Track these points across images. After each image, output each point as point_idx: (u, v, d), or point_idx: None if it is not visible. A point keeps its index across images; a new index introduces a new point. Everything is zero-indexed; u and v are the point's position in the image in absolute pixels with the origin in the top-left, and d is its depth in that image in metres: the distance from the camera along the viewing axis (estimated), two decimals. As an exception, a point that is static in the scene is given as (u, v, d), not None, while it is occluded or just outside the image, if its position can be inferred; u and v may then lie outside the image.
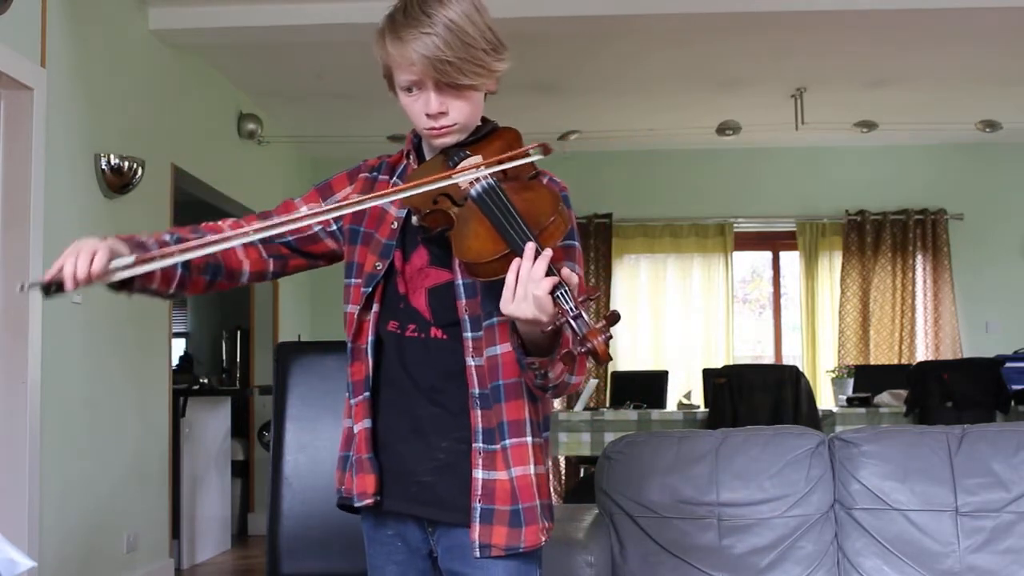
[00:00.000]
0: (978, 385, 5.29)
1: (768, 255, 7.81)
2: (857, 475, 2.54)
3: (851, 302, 7.38)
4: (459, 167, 1.52)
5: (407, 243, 1.59)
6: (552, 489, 1.63)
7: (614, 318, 1.33)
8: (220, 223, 1.67)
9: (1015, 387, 5.43)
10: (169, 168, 4.94)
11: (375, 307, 1.59)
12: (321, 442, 2.48)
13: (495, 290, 1.45)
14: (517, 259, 1.36)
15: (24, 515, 3.56)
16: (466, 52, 1.47)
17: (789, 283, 7.74)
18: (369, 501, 1.57)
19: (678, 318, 7.51)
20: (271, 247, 1.67)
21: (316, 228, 1.66)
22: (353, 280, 1.61)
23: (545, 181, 1.60)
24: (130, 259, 1.45)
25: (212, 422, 5.71)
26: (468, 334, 1.53)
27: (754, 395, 5.27)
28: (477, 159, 1.53)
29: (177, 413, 5.12)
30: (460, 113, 1.53)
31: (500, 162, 1.51)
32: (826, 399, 6.77)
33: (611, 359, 1.34)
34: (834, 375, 6.71)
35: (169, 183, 4.94)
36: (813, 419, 5.15)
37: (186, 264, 1.55)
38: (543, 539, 1.55)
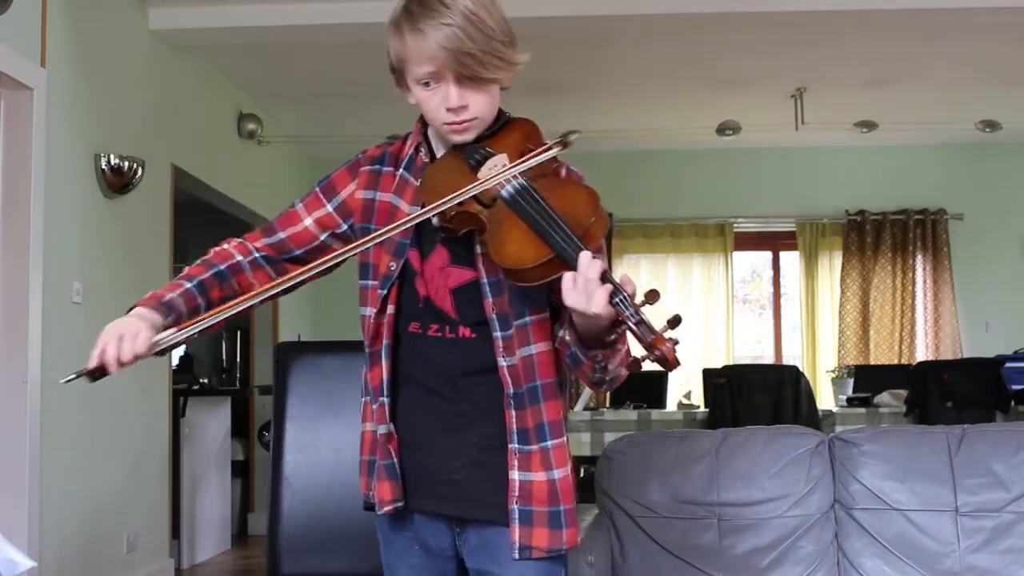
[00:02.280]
0: (978, 385, 5.28)
1: (768, 255, 7.81)
2: (857, 475, 2.54)
3: (851, 302, 7.38)
4: (483, 167, 1.47)
5: (423, 241, 1.53)
6: None
7: (676, 321, 1.29)
8: (226, 246, 1.63)
9: (1015, 387, 5.43)
10: (169, 168, 4.94)
11: (390, 309, 1.54)
12: (321, 442, 2.48)
13: (527, 290, 1.43)
14: (569, 271, 1.32)
15: (24, 515, 3.56)
16: (487, 44, 1.43)
17: (789, 283, 7.74)
18: (389, 508, 1.54)
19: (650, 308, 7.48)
20: (279, 267, 1.62)
21: (323, 237, 1.61)
22: (369, 282, 1.57)
23: (564, 172, 1.56)
24: (170, 333, 1.45)
25: (212, 422, 5.71)
26: (498, 333, 1.49)
27: (754, 395, 5.27)
28: (502, 158, 1.48)
29: (177, 413, 5.12)
30: (480, 107, 1.48)
31: (524, 161, 1.46)
32: (826, 399, 6.77)
33: (680, 364, 1.29)
34: (834, 375, 6.71)
35: (169, 183, 4.94)
36: (813, 419, 5.15)
37: (209, 305, 1.54)
38: (579, 539, 1.54)
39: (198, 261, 1.60)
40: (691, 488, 2.57)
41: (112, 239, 4.32)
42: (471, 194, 1.43)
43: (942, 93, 6.14)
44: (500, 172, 1.44)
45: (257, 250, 1.62)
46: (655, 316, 1.32)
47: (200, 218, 6.55)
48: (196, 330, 1.45)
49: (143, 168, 4.40)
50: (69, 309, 3.95)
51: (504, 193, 1.43)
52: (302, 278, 1.49)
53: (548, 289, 1.42)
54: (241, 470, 6.55)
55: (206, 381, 6.81)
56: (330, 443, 2.47)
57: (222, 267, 1.58)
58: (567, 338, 1.44)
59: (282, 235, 1.62)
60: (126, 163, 4.29)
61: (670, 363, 1.28)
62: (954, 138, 7.11)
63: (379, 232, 1.47)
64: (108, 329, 1.45)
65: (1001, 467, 2.49)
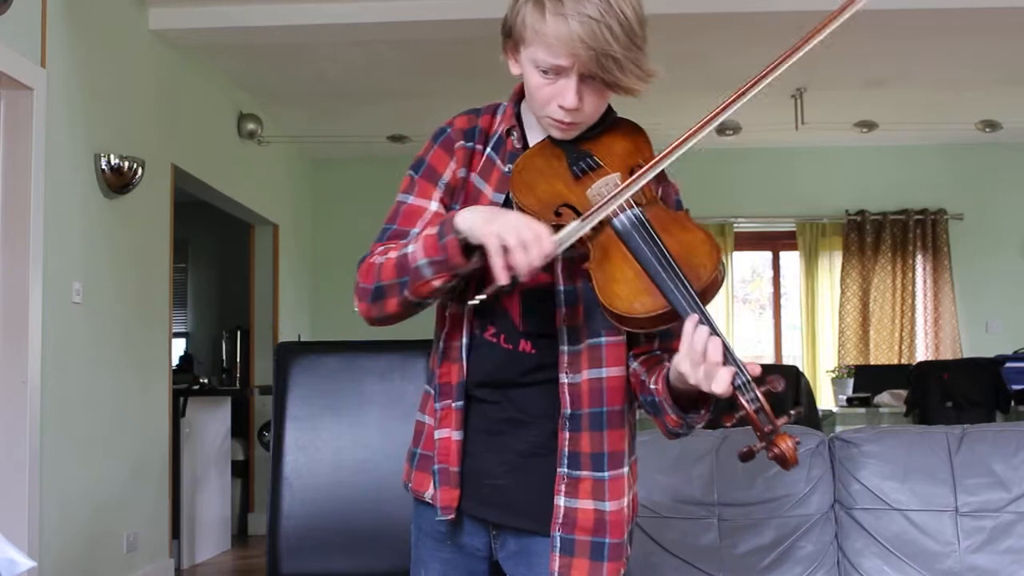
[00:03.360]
0: (978, 385, 5.29)
1: (768, 255, 7.81)
2: (857, 475, 2.53)
3: (851, 302, 7.38)
4: (593, 185, 1.34)
5: None
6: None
7: (799, 414, 1.20)
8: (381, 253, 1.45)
9: (1015, 387, 5.43)
10: (169, 168, 4.94)
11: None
12: (321, 442, 2.48)
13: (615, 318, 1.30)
14: (687, 329, 1.20)
15: (24, 515, 3.56)
16: (631, 50, 1.30)
17: (789, 283, 7.74)
18: (452, 516, 1.47)
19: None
20: None
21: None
22: None
23: (660, 191, 1.44)
24: (573, 226, 1.27)
25: (212, 422, 5.71)
26: (565, 347, 1.39)
27: (754, 395, 5.26)
28: (615, 179, 1.34)
29: (177, 413, 5.12)
30: (592, 111, 1.38)
31: (636, 180, 1.31)
32: (826, 399, 6.77)
33: (798, 464, 1.18)
34: (834, 375, 6.71)
35: (169, 183, 4.94)
36: (813, 419, 5.15)
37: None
38: (622, 573, 1.45)
39: (381, 256, 1.42)
40: (691, 488, 2.57)
41: (112, 239, 4.32)
42: (591, 225, 1.28)
43: (942, 93, 6.14)
44: (612, 195, 1.29)
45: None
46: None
47: (200, 218, 6.57)
48: (601, 215, 1.29)
49: (143, 168, 4.40)
50: (69, 309, 3.95)
51: (616, 223, 1.30)
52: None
53: None
54: (241, 470, 6.55)
55: (206, 381, 6.81)
56: (330, 443, 2.47)
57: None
58: (654, 387, 1.34)
59: (416, 231, 1.43)
60: (126, 163, 4.29)
61: (789, 462, 1.17)
62: (954, 138, 7.11)
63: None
64: (500, 231, 1.23)
65: (1001, 467, 2.49)
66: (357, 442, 2.46)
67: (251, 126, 6.02)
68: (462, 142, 1.47)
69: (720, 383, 1.17)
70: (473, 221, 1.28)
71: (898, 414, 5.41)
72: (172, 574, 4.93)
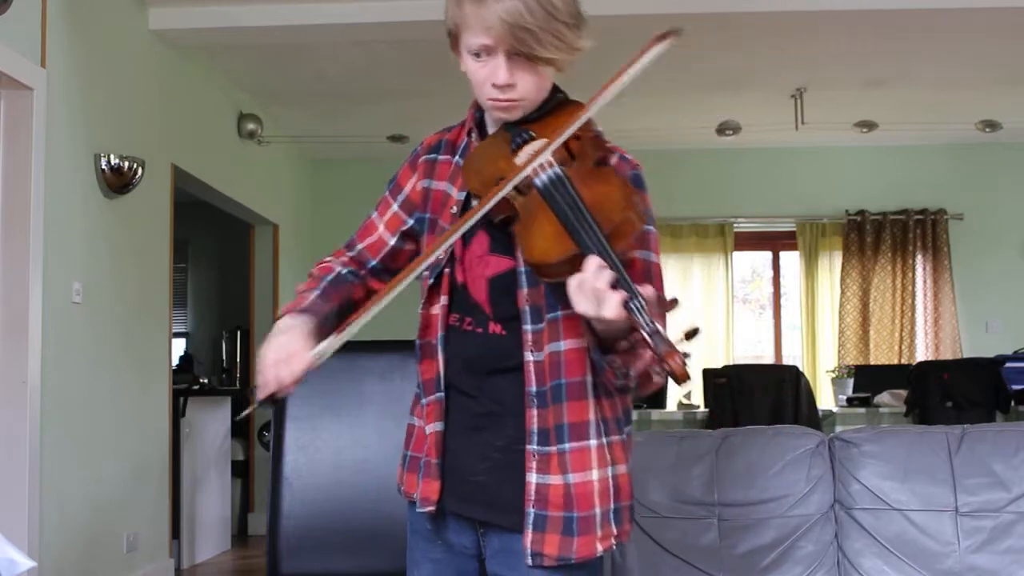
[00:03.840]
0: (978, 385, 5.29)
1: (768, 255, 7.81)
2: (857, 475, 2.54)
3: (851, 302, 7.38)
4: (522, 152, 1.42)
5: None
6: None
7: (693, 333, 1.24)
8: (324, 263, 1.63)
9: (1015, 387, 5.43)
10: (169, 168, 4.94)
11: (444, 300, 1.51)
12: (321, 442, 2.48)
13: (563, 286, 1.36)
14: (580, 269, 1.26)
15: (24, 515, 3.56)
16: (548, 23, 1.38)
17: (789, 283, 7.74)
18: (432, 508, 1.51)
19: (678, 318, 7.49)
20: (364, 281, 1.62)
21: (393, 241, 1.60)
22: (424, 275, 1.54)
23: (615, 161, 1.50)
24: (328, 342, 1.43)
25: (212, 422, 5.71)
26: (528, 326, 1.44)
27: (754, 395, 5.27)
28: (542, 142, 1.41)
29: (177, 413, 5.12)
30: (528, 88, 1.43)
31: (556, 140, 1.39)
32: (826, 399, 6.77)
33: (690, 379, 1.23)
34: (834, 375, 6.71)
35: (169, 183, 4.94)
36: (813, 419, 5.15)
37: (334, 310, 1.53)
38: (599, 549, 1.45)
39: (308, 280, 1.60)
40: (691, 488, 2.57)
41: (112, 239, 4.32)
42: (508, 188, 1.37)
43: (942, 93, 6.14)
44: (534, 157, 1.39)
45: (343, 265, 1.62)
46: (673, 325, 1.27)
47: (200, 218, 6.57)
48: (354, 329, 1.42)
49: (143, 168, 4.40)
50: (69, 309, 3.95)
51: (538, 182, 1.38)
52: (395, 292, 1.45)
53: None
54: (241, 470, 6.56)
55: (206, 381, 6.81)
56: (330, 443, 2.47)
57: (330, 277, 1.59)
58: (585, 341, 1.39)
59: (360, 247, 1.63)
60: (126, 163, 4.29)
61: (678, 378, 1.22)
62: (954, 138, 7.11)
63: (443, 241, 1.43)
64: (264, 355, 1.42)
65: (1001, 467, 2.49)
66: (357, 442, 2.46)
67: (251, 126, 6.02)
68: (425, 156, 1.58)
69: (609, 307, 1.23)
70: (270, 334, 1.46)
71: (898, 414, 5.41)
72: (172, 574, 4.93)
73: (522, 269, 1.44)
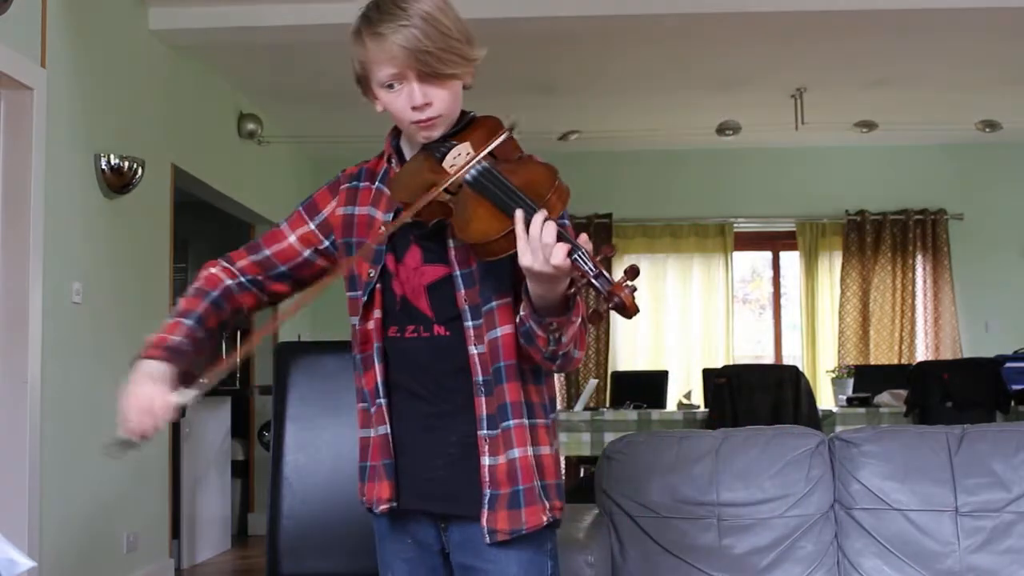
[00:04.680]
0: (978, 385, 5.28)
1: (768, 255, 7.81)
2: (857, 475, 2.54)
3: (851, 302, 7.38)
4: (447, 157, 1.53)
5: (398, 244, 1.59)
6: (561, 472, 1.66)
7: (634, 272, 1.36)
8: (213, 270, 1.70)
9: (1015, 387, 5.43)
10: (169, 168, 4.94)
11: (376, 314, 1.60)
12: (321, 442, 2.48)
13: (494, 273, 1.50)
14: (521, 223, 1.38)
15: (24, 515, 3.56)
16: (444, 42, 1.49)
17: (789, 283, 7.74)
18: (385, 507, 1.59)
19: (678, 318, 7.51)
20: (264, 287, 1.72)
21: (306, 253, 1.69)
22: (356, 293, 1.63)
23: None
24: (192, 394, 1.52)
25: (212, 422, 5.71)
26: (469, 323, 1.54)
27: (754, 395, 5.27)
28: (465, 147, 1.54)
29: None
30: (443, 104, 1.53)
31: (487, 146, 1.51)
32: (826, 399, 6.76)
33: (639, 311, 1.36)
34: (834, 375, 6.70)
35: (169, 183, 4.94)
36: (813, 419, 5.15)
37: (208, 333, 1.65)
38: (545, 519, 1.55)
39: (191, 290, 1.67)
40: (691, 488, 2.57)
41: (112, 239, 4.32)
42: (443, 187, 1.48)
43: (942, 93, 6.14)
44: (465, 158, 1.50)
45: (242, 272, 1.70)
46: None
47: (200, 218, 6.56)
48: (211, 385, 1.54)
49: (143, 168, 4.40)
50: (69, 309, 3.95)
51: (468, 177, 1.49)
52: (296, 302, 1.63)
53: (514, 269, 1.46)
54: (241, 470, 6.56)
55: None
56: (330, 443, 2.47)
57: (215, 294, 1.67)
58: (522, 314, 1.47)
59: (267, 252, 1.70)
60: (126, 163, 4.29)
61: (628, 309, 1.33)
62: (954, 138, 7.11)
63: (373, 241, 1.56)
64: (128, 401, 1.51)
65: (1001, 467, 2.49)
66: (357, 442, 2.46)
67: (251, 126, 6.02)
68: (346, 184, 1.69)
69: (558, 255, 1.34)
70: (133, 377, 1.56)
71: (898, 414, 5.40)
72: (172, 574, 4.93)
73: (457, 273, 1.55)
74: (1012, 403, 5.28)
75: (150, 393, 1.51)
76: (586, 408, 5.59)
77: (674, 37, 5.14)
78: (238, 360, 1.53)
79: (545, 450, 1.57)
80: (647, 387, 6.16)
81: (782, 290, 7.78)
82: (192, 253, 7.90)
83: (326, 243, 1.68)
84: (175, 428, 5.05)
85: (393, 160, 1.66)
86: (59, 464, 3.83)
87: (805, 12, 4.62)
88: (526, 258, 1.37)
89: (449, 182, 1.48)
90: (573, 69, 5.69)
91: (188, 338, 1.60)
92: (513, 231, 1.39)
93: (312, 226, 1.68)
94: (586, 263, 1.35)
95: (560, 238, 1.36)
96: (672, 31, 5.00)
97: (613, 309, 1.35)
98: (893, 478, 2.51)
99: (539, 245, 1.36)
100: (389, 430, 1.59)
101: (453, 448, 1.56)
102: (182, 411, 1.54)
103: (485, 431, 1.53)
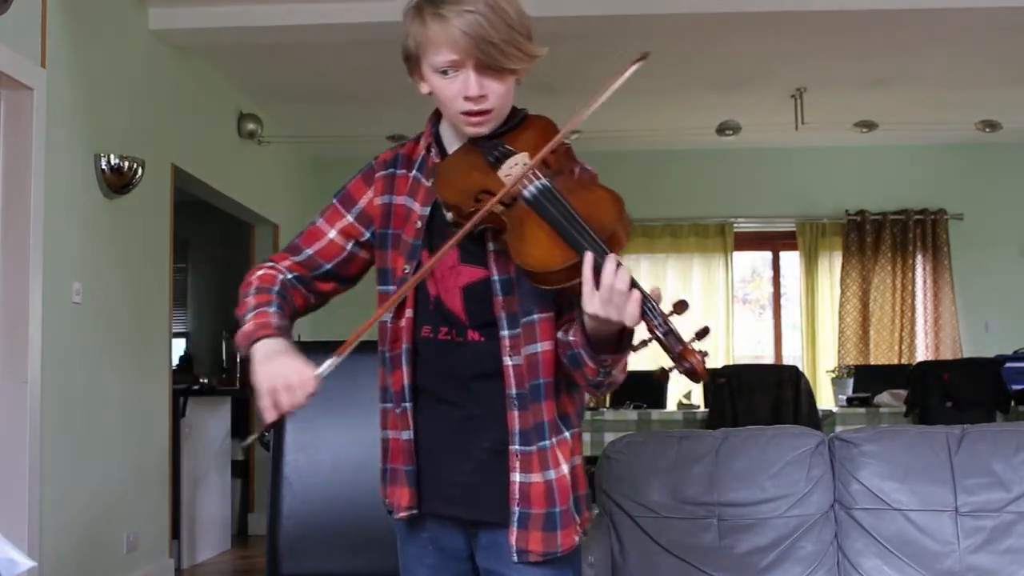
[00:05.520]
0: (978, 385, 5.28)
1: (768, 255, 7.81)
2: (857, 475, 2.54)
3: (851, 302, 7.38)
4: (504, 164, 1.45)
5: (434, 240, 1.51)
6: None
7: (704, 333, 1.30)
8: (263, 272, 1.59)
9: (1015, 387, 5.43)
10: (169, 168, 4.94)
11: (408, 312, 1.54)
12: (321, 442, 2.48)
13: (543, 290, 1.41)
14: (589, 266, 1.30)
15: (24, 515, 3.56)
16: (508, 34, 1.44)
17: (789, 283, 7.74)
18: (405, 514, 1.55)
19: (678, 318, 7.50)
20: (311, 286, 1.63)
21: (349, 247, 1.60)
22: (388, 287, 1.57)
23: (577, 172, 1.55)
24: (331, 362, 1.42)
25: (212, 422, 5.71)
26: (505, 332, 1.48)
27: (754, 395, 5.27)
28: (523, 156, 1.46)
29: (177, 413, 5.12)
30: (498, 98, 1.47)
31: (542, 153, 1.44)
32: (826, 399, 6.76)
33: (708, 376, 1.31)
34: (834, 375, 6.70)
35: (169, 183, 4.94)
36: (813, 419, 5.15)
37: (292, 319, 1.56)
38: (577, 539, 1.52)
39: (251, 291, 1.56)
40: (691, 488, 2.57)
41: (112, 239, 4.32)
42: (498, 199, 1.39)
43: (942, 93, 6.14)
44: (522, 168, 1.42)
45: (288, 270, 1.61)
46: (681, 325, 1.32)
47: (200, 218, 6.57)
48: (350, 349, 1.43)
49: (143, 168, 4.40)
50: (69, 309, 3.95)
51: (526, 193, 1.41)
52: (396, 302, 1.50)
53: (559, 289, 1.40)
54: (241, 470, 6.55)
55: (206, 381, 6.80)
56: (330, 443, 2.47)
57: (276, 288, 1.57)
58: (572, 339, 1.42)
59: (309, 251, 1.61)
60: (126, 163, 4.29)
61: (699, 375, 1.27)
62: (954, 138, 7.11)
63: (426, 266, 1.46)
64: (271, 376, 1.39)
65: (1001, 467, 2.49)
66: (357, 442, 2.46)
67: (251, 126, 6.02)
68: (382, 171, 1.60)
69: (631, 311, 1.28)
70: (257, 358, 1.43)
71: (898, 414, 5.41)
72: (172, 574, 4.93)
73: (495, 278, 1.48)
74: (1012, 403, 5.28)
75: (290, 366, 1.39)
76: (586, 408, 5.59)
77: (674, 37, 5.14)
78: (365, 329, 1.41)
79: (576, 460, 1.53)
80: (647, 387, 6.15)
81: (782, 290, 7.78)
82: (192, 253, 7.91)
83: (367, 234, 1.59)
84: (175, 428, 5.05)
85: (433, 149, 1.57)
86: (59, 464, 3.83)
87: (805, 12, 4.62)
88: (593, 305, 1.30)
89: (503, 194, 1.40)
90: (573, 69, 5.69)
91: (280, 319, 1.50)
92: (575, 265, 1.32)
93: (351, 218, 1.60)
94: (655, 318, 1.28)
95: (632, 284, 1.28)
96: (672, 31, 5.00)
97: (682, 373, 1.29)
98: (893, 478, 2.51)
99: (610, 294, 1.28)
100: (413, 435, 1.54)
101: (483, 454, 1.51)
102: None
103: (518, 447, 1.48)
